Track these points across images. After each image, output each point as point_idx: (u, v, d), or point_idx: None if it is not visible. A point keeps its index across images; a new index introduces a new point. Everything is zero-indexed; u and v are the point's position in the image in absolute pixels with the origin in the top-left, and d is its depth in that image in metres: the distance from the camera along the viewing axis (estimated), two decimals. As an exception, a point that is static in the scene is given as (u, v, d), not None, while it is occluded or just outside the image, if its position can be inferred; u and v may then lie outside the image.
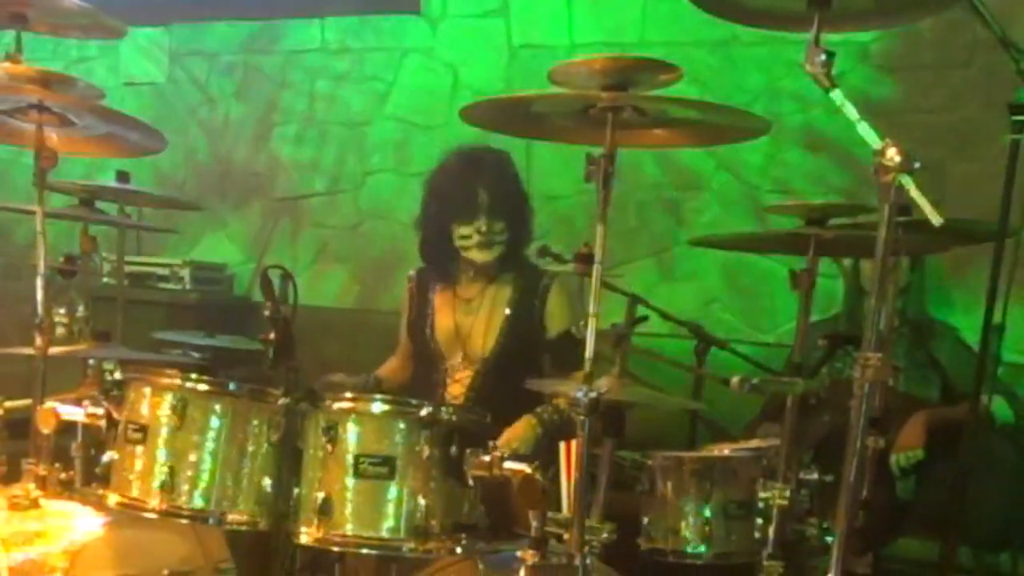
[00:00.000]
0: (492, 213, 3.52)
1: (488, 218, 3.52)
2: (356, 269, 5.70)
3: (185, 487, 2.53)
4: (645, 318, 2.95)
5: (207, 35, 6.09)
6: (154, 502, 2.53)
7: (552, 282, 3.59)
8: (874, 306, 2.07)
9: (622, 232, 4.88)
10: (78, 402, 2.76)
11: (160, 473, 2.52)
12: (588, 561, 2.41)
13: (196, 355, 3.98)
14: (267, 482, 2.55)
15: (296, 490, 2.53)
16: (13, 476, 2.86)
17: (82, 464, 2.93)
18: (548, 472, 2.50)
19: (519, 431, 3.34)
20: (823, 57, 2.11)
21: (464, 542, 2.51)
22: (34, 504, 2.72)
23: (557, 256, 3.30)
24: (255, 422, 2.57)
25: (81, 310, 3.25)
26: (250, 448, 2.56)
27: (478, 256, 3.56)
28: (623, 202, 4.84)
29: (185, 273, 5.42)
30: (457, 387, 3.59)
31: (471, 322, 3.62)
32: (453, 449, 2.49)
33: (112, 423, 2.66)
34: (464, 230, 3.53)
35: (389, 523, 2.46)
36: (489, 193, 3.52)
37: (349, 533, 2.47)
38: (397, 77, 5.61)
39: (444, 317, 3.66)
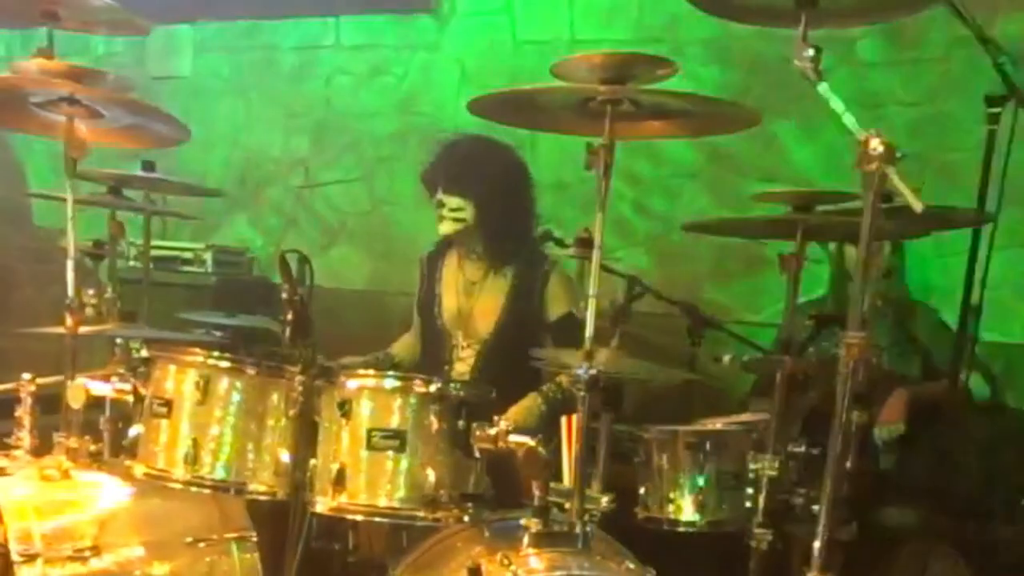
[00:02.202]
0: (449, 189, 3.50)
1: (445, 193, 3.51)
2: (369, 252, 5.70)
3: (208, 459, 2.52)
4: (642, 294, 2.94)
5: (229, 32, 6.07)
6: (178, 473, 2.53)
7: (552, 268, 3.56)
8: (858, 288, 2.07)
9: (619, 219, 4.87)
10: (106, 378, 2.76)
11: (184, 445, 2.52)
12: (588, 529, 2.41)
13: (218, 334, 3.97)
14: (285, 454, 2.54)
15: (312, 462, 2.52)
16: (45, 448, 2.86)
17: (110, 437, 2.94)
18: (550, 445, 2.50)
19: (524, 407, 3.33)
20: (811, 52, 2.11)
21: (471, 511, 2.49)
22: (65, 475, 2.72)
23: (559, 241, 3.30)
24: (274, 397, 2.56)
25: (109, 292, 3.24)
26: (269, 422, 2.55)
27: (439, 228, 3.57)
28: (620, 190, 4.84)
29: (207, 256, 5.40)
30: (462, 365, 3.58)
31: (473, 304, 3.61)
32: (461, 423, 2.47)
33: (139, 398, 2.65)
34: (435, 200, 3.54)
35: (400, 493, 2.45)
36: (449, 170, 3.50)
37: (362, 502, 2.46)
38: (407, 71, 5.60)
39: (450, 298, 3.66)
